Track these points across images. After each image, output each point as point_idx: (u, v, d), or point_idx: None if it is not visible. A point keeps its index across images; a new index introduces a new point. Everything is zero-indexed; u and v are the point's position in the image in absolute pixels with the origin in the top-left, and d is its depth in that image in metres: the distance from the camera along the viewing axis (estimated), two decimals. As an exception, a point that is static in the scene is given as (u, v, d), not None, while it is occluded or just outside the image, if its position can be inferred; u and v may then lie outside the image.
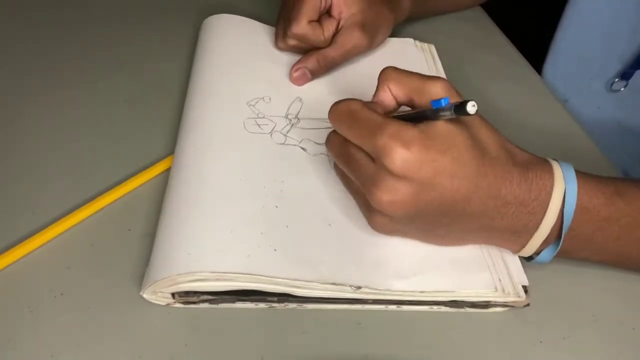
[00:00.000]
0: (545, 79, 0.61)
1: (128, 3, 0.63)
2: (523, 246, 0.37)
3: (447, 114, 0.32)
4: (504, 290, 0.37)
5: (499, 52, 0.62)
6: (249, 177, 0.41)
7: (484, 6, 0.68)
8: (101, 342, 0.34)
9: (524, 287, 0.37)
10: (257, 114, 0.47)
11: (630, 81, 0.57)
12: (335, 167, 0.41)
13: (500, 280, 0.37)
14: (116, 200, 0.41)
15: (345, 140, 0.36)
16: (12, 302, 0.35)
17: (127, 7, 0.62)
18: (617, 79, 0.58)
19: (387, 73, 0.38)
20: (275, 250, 0.37)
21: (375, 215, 0.36)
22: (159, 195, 0.41)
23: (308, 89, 0.51)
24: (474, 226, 0.36)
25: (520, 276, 0.38)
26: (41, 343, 0.33)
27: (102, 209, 0.41)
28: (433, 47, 0.58)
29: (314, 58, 0.50)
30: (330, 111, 0.37)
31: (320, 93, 0.51)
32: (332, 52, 0.51)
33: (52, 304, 0.35)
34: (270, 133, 0.46)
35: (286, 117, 0.48)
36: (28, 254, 0.38)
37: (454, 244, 0.39)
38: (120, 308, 0.35)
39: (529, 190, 0.35)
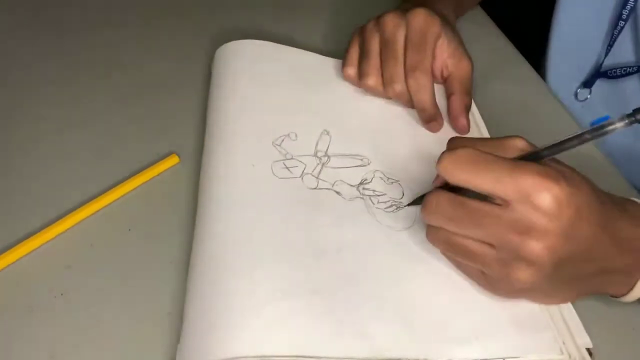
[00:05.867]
0: (547, 81, 0.61)
1: (129, 2, 0.63)
2: (631, 287, 0.35)
3: (617, 126, 0.30)
4: (570, 356, 0.33)
5: (499, 51, 0.62)
6: (284, 235, 0.37)
7: (483, 6, 0.68)
8: (101, 342, 0.34)
9: (588, 349, 0.34)
10: (285, 155, 0.43)
11: (593, 89, 0.57)
12: (430, 233, 0.35)
13: (564, 343, 0.34)
14: (116, 200, 0.42)
15: (456, 197, 0.33)
16: (12, 302, 0.35)
17: (128, 6, 0.62)
18: (579, 89, 0.58)
19: (462, 152, 0.32)
20: (321, 321, 0.33)
21: (519, 270, 0.31)
22: (159, 195, 0.41)
23: (333, 120, 0.47)
24: (595, 271, 0.34)
25: (582, 336, 0.34)
26: (41, 343, 0.33)
27: (102, 209, 0.41)
28: (433, 47, 0.58)
29: (460, 101, 0.48)
30: (443, 160, 0.32)
31: (347, 123, 0.47)
32: (462, 87, 0.49)
33: (52, 304, 0.35)
34: (301, 176, 0.42)
35: (315, 155, 0.44)
36: (28, 254, 0.38)
37: (570, 299, 0.36)
38: (120, 308, 0.35)
39: (637, 226, 0.33)
